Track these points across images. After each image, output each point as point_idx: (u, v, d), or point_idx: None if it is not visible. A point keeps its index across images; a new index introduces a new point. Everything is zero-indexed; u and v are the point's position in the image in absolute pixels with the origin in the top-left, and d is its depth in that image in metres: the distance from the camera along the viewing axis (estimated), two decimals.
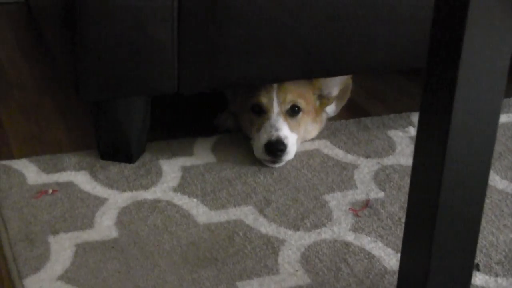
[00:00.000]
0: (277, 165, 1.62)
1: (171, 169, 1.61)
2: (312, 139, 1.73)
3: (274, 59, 1.60)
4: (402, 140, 1.74)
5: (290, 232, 1.42)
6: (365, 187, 1.57)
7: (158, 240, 1.39)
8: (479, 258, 1.36)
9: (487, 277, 1.32)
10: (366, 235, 1.42)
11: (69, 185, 1.54)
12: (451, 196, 1.06)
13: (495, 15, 0.96)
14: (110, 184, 1.55)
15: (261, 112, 1.65)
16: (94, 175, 1.58)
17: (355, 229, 1.44)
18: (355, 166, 1.64)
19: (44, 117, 1.84)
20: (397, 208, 1.49)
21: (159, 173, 1.59)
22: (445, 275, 1.12)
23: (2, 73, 2.07)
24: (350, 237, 1.41)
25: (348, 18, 1.59)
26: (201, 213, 1.47)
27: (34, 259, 1.33)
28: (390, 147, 1.71)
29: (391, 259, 1.36)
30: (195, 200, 1.51)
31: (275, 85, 1.65)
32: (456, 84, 0.99)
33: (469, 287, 1.15)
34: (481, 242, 1.39)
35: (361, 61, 1.66)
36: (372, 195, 1.54)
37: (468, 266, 1.13)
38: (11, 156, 1.65)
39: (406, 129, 1.78)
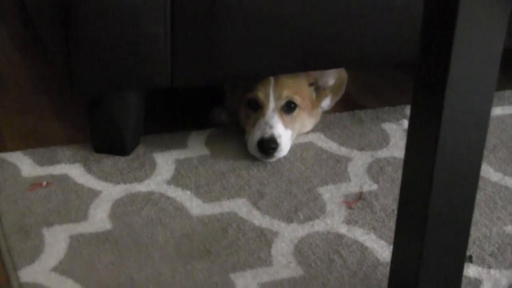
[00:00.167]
0: (269, 160, 1.62)
1: (165, 162, 1.61)
2: (306, 132, 1.73)
3: (269, 53, 1.60)
4: (396, 133, 1.74)
5: (283, 224, 1.43)
6: (358, 179, 1.57)
7: (152, 232, 1.39)
8: (472, 250, 1.36)
9: (480, 268, 1.32)
10: (359, 227, 1.43)
11: (63, 177, 1.55)
12: (443, 188, 1.07)
13: (487, 6, 0.97)
14: (104, 176, 1.55)
15: (257, 107, 1.65)
16: (88, 168, 1.58)
17: (348, 221, 1.44)
18: (348, 159, 1.64)
19: (39, 111, 1.84)
20: (391, 201, 1.50)
21: (153, 166, 1.60)
22: (437, 267, 1.12)
23: None
24: (343, 229, 1.42)
25: (343, 11, 1.59)
26: (195, 205, 1.47)
27: (28, 251, 1.33)
28: (384, 140, 1.72)
29: (384, 251, 1.36)
30: (188, 192, 1.51)
31: (272, 80, 1.66)
32: (447, 76, 0.99)
33: (461, 279, 1.15)
34: (475, 234, 1.40)
35: (356, 54, 1.66)
36: (366, 188, 1.54)
37: (460, 258, 1.14)
38: (5, 149, 1.66)
39: (400, 122, 1.78)
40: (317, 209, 1.47)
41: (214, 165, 1.61)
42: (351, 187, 1.55)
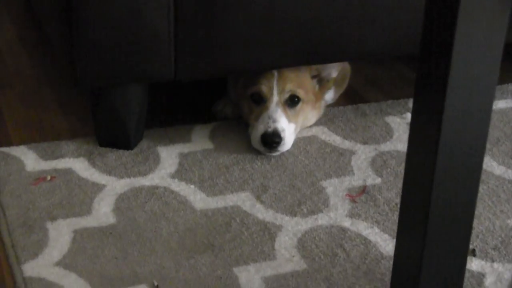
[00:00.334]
0: (273, 154, 1.62)
1: (169, 155, 1.62)
2: (310, 126, 1.73)
3: (271, 46, 1.60)
4: (399, 126, 1.74)
5: (287, 218, 1.43)
6: (362, 173, 1.57)
7: (156, 226, 1.40)
8: (475, 243, 1.36)
9: (483, 262, 1.32)
10: (362, 220, 1.43)
11: (68, 171, 1.55)
12: (445, 181, 1.07)
13: (488, 1, 0.96)
14: (108, 170, 1.56)
15: (261, 101, 1.65)
16: (92, 162, 1.58)
17: (351, 215, 1.44)
18: (352, 152, 1.64)
19: (43, 105, 1.84)
20: (394, 194, 1.50)
21: (156, 160, 1.60)
22: (440, 260, 1.12)
23: (1, 61, 2.08)
24: (346, 223, 1.42)
25: (346, 4, 1.59)
26: (199, 199, 1.48)
27: (32, 245, 1.34)
28: (388, 133, 1.72)
29: (387, 244, 1.37)
30: (192, 186, 1.52)
31: (275, 74, 1.65)
32: (449, 70, 0.99)
33: (464, 272, 1.15)
34: (478, 227, 1.40)
35: (359, 47, 1.66)
36: (369, 181, 1.54)
37: (463, 252, 1.14)
38: (9, 143, 1.66)
39: (404, 115, 1.78)
40: (320, 203, 1.48)
41: (218, 158, 1.61)
42: (355, 181, 1.55)
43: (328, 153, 1.64)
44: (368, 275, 1.29)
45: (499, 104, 1.81)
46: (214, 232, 1.39)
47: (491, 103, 1.05)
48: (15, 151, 1.61)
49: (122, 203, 1.46)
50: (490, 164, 1.59)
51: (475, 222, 1.40)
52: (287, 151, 1.63)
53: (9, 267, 1.30)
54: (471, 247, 1.34)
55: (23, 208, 1.43)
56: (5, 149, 1.62)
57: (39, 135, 1.70)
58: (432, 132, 1.04)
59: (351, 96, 1.89)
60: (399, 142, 1.68)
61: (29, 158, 1.59)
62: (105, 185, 1.51)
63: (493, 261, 1.32)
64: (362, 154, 1.64)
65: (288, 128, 1.62)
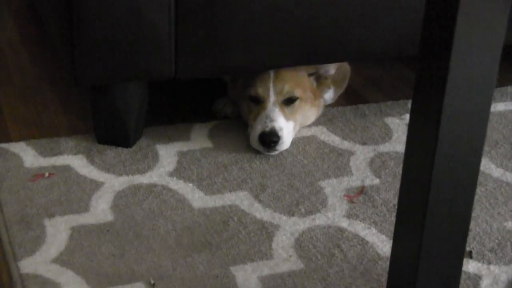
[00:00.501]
0: (272, 153, 1.62)
1: (168, 154, 1.62)
2: (309, 126, 1.73)
3: (272, 45, 1.60)
4: (398, 128, 1.74)
5: (284, 217, 1.43)
6: (360, 173, 1.57)
7: (153, 224, 1.40)
8: (472, 245, 1.36)
9: (479, 264, 1.32)
10: (360, 221, 1.43)
11: (66, 168, 1.55)
12: (442, 183, 1.07)
13: (488, 2, 0.96)
14: (107, 168, 1.56)
15: (258, 102, 1.65)
16: (90, 159, 1.58)
17: (349, 216, 1.44)
18: (351, 153, 1.64)
19: (42, 102, 1.84)
20: (392, 195, 1.50)
21: (155, 158, 1.60)
22: (436, 262, 1.12)
23: (2, 59, 2.08)
24: (344, 223, 1.42)
25: (346, 4, 1.59)
26: (197, 197, 1.48)
27: (29, 242, 1.34)
28: (387, 134, 1.72)
29: (384, 245, 1.37)
30: (190, 185, 1.52)
31: (271, 74, 1.66)
32: (448, 72, 0.99)
33: (460, 274, 1.15)
34: (475, 229, 1.40)
35: (359, 47, 1.66)
36: (368, 182, 1.54)
37: (460, 254, 1.14)
38: (8, 139, 1.66)
39: (403, 116, 1.78)
40: (318, 203, 1.48)
41: (217, 157, 1.61)
42: (353, 181, 1.55)
43: (327, 153, 1.64)
44: (365, 275, 1.30)
45: (498, 107, 1.81)
46: (211, 231, 1.39)
47: (489, 105, 1.05)
48: (13, 147, 1.61)
49: (120, 201, 1.46)
50: (488, 166, 1.59)
51: (473, 224, 1.40)
52: (286, 150, 1.64)
53: (5, 263, 1.30)
54: (468, 249, 1.34)
55: (20, 205, 1.43)
56: (3, 145, 1.62)
57: (38, 131, 1.70)
58: (430, 133, 1.04)
59: (350, 97, 1.89)
60: (398, 143, 1.68)
61: (27, 155, 1.59)
62: (103, 182, 1.51)
63: (489, 263, 1.32)
64: (361, 154, 1.64)
65: (286, 127, 1.62)
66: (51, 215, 1.41)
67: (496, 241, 1.38)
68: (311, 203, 1.48)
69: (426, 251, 1.11)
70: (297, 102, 1.66)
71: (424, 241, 1.10)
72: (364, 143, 1.68)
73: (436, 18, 0.99)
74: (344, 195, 1.50)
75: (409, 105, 1.82)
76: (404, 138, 1.69)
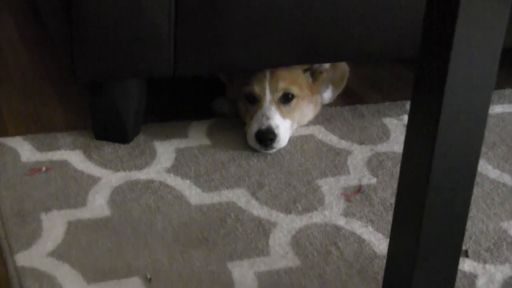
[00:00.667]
0: (269, 151, 1.62)
1: (165, 150, 1.62)
2: (307, 125, 1.73)
3: (271, 44, 1.60)
4: (396, 128, 1.74)
5: (281, 215, 1.43)
6: (358, 173, 1.57)
7: (150, 220, 1.40)
8: (468, 245, 1.36)
9: (475, 263, 1.32)
10: (357, 219, 1.43)
11: (63, 163, 1.55)
12: (440, 183, 1.07)
13: (487, 4, 0.97)
14: (104, 163, 1.56)
15: (254, 101, 1.65)
16: (88, 155, 1.58)
17: (346, 214, 1.44)
18: (348, 152, 1.64)
19: (40, 98, 1.84)
20: (389, 194, 1.50)
21: (153, 154, 1.60)
22: (433, 261, 1.12)
23: (1, 55, 2.08)
24: (341, 222, 1.42)
25: (346, 4, 1.59)
26: (194, 194, 1.48)
27: (26, 235, 1.33)
28: (385, 135, 1.72)
29: (381, 243, 1.37)
30: (188, 181, 1.52)
31: (267, 73, 1.66)
32: (447, 73, 0.99)
33: (456, 273, 1.15)
34: (471, 229, 1.40)
35: (358, 47, 1.66)
36: (365, 181, 1.55)
37: (456, 253, 1.14)
38: (5, 134, 1.66)
39: (401, 117, 1.78)
40: (315, 201, 1.48)
41: (214, 155, 1.61)
42: (350, 180, 1.55)
43: (324, 152, 1.64)
44: (361, 273, 1.30)
45: (496, 109, 1.81)
46: (208, 227, 1.39)
47: (487, 106, 1.05)
48: (10, 142, 1.61)
49: (117, 196, 1.46)
50: (485, 168, 1.59)
51: (469, 224, 1.40)
52: (284, 149, 1.64)
53: (1, 256, 1.30)
54: (464, 248, 1.34)
55: (17, 199, 1.43)
56: (0, 140, 1.62)
57: (35, 127, 1.70)
58: (429, 133, 1.04)
59: (349, 97, 1.89)
60: (396, 143, 1.68)
61: (24, 149, 1.59)
62: (100, 177, 1.51)
63: (485, 262, 1.33)
64: (359, 154, 1.64)
65: (282, 125, 1.62)
66: (48, 209, 1.40)
67: (492, 240, 1.38)
68: (308, 201, 1.48)
69: (422, 250, 1.11)
70: (294, 101, 1.66)
71: (421, 240, 1.10)
72: (361, 143, 1.68)
73: (436, 19, 0.99)
74: (341, 193, 1.51)
75: (407, 106, 1.82)
76: (401, 139, 1.69)
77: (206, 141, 1.66)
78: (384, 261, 1.29)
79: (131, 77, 1.58)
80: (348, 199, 1.49)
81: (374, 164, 1.60)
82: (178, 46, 1.54)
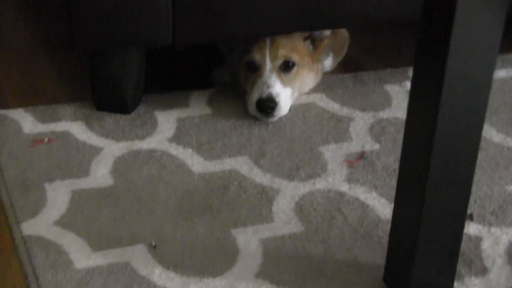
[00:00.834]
0: (270, 120, 1.62)
1: (167, 120, 1.61)
2: (308, 93, 1.73)
3: (270, 12, 1.59)
4: (398, 94, 1.73)
5: (284, 182, 1.43)
6: (360, 139, 1.57)
7: (154, 189, 1.39)
8: (473, 208, 1.36)
9: (480, 226, 1.33)
10: (360, 185, 1.43)
11: (65, 134, 1.55)
12: (444, 147, 1.07)
13: None
14: (106, 134, 1.55)
15: (255, 69, 1.65)
16: (89, 125, 1.58)
17: (349, 180, 1.44)
18: (350, 119, 1.64)
19: (40, 70, 1.83)
20: (392, 160, 1.50)
21: (154, 124, 1.59)
22: (438, 225, 1.12)
23: None
24: (344, 188, 1.42)
25: None
26: (196, 163, 1.48)
27: (30, 205, 1.33)
28: (386, 101, 1.71)
29: (385, 208, 1.37)
30: (190, 150, 1.51)
31: (267, 41, 1.65)
32: (450, 38, 0.99)
33: (461, 236, 1.16)
34: (476, 193, 1.40)
35: (357, 13, 1.65)
36: (368, 147, 1.54)
37: (461, 216, 1.14)
38: (6, 106, 1.65)
39: (403, 83, 1.78)
40: (318, 168, 1.48)
41: (216, 124, 1.61)
42: (353, 147, 1.55)
43: (326, 120, 1.64)
44: (365, 238, 1.30)
45: (500, 74, 1.81)
46: (212, 195, 1.39)
47: (492, 70, 1.04)
48: (12, 114, 1.61)
49: (120, 166, 1.46)
50: (490, 132, 1.59)
51: (474, 188, 1.39)
52: (285, 117, 1.63)
53: (8, 225, 1.30)
54: (469, 212, 1.34)
55: (21, 169, 1.43)
56: (2, 112, 1.61)
57: (36, 98, 1.69)
58: (432, 98, 1.04)
59: (349, 65, 1.88)
60: (398, 109, 1.67)
61: (26, 121, 1.58)
62: (102, 148, 1.51)
63: (490, 225, 1.33)
64: (361, 120, 1.64)
65: (283, 93, 1.61)
66: (51, 180, 1.40)
67: (497, 204, 1.38)
68: (311, 168, 1.48)
69: (427, 214, 1.11)
70: (294, 69, 1.65)
71: (426, 204, 1.10)
72: (363, 110, 1.67)
73: None
74: (344, 160, 1.50)
75: (409, 72, 1.82)
76: (404, 105, 1.68)
77: (207, 110, 1.66)
78: (389, 226, 1.29)
79: (131, 46, 1.58)
80: (351, 165, 1.49)
81: (377, 131, 1.60)
82: (177, 15, 1.53)
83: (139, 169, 1.45)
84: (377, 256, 1.25)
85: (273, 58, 1.63)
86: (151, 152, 1.50)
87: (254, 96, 1.61)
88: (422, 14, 1.02)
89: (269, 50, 1.64)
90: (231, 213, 1.34)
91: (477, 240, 1.29)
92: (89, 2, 1.47)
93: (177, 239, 1.27)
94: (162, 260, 1.23)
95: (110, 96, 1.62)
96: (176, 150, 1.51)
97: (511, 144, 1.55)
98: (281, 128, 1.60)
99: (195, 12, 1.54)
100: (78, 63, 1.85)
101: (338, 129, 1.60)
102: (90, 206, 1.34)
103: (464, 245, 1.27)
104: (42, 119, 1.59)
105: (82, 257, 1.22)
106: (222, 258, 1.24)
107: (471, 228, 1.32)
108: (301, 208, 1.36)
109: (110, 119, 1.60)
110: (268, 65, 1.63)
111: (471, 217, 1.34)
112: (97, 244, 1.25)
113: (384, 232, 1.31)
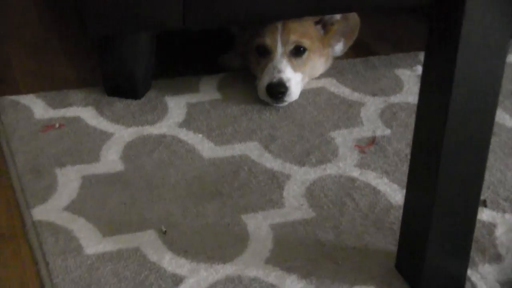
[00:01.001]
0: (280, 105, 1.61)
1: (177, 105, 1.61)
2: (319, 78, 1.72)
3: None
4: (409, 79, 1.72)
5: (295, 167, 1.42)
6: (371, 124, 1.56)
7: (164, 174, 1.39)
8: (487, 194, 1.35)
9: (494, 213, 1.32)
10: (371, 171, 1.42)
11: (76, 120, 1.54)
12: (457, 132, 1.06)
13: None
14: (116, 119, 1.55)
15: (266, 53, 1.64)
16: (100, 111, 1.57)
17: (360, 165, 1.43)
18: (361, 104, 1.63)
19: (51, 55, 1.83)
20: (404, 145, 1.49)
21: (164, 109, 1.59)
22: (451, 211, 1.12)
23: (10, 12, 2.06)
24: (355, 173, 1.41)
25: None
26: (206, 148, 1.47)
27: (41, 190, 1.34)
28: (398, 86, 1.70)
29: (396, 194, 1.36)
30: (200, 135, 1.51)
31: (279, 26, 1.64)
32: (462, 22, 0.98)
33: (474, 222, 1.15)
34: (489, 179, 1.39)
35: None
36: (379, 132, 1.53)
37: (474, 203, 1.13)
38: (18, 92, 1.65)
39: (414, 67, 1.76)
40: (329, 153, 1.47)
41: (226, 109, 1.60)
42: (364, 132, 1.54)
43: (337, 105, 1.63)
44: (377, 223, 1.29)
45: (511, 58, 1.79)
46: (222, 180, 1.38)
47: (505, 53, 1.03)
48: (23, 99, 1.60)
49: (130, 151, 1.45)
50: (502, 117, 1.58)
51: (487, 174, 1.38)
52: (296, 102, 1.62)
53: (18, 210, 1.30)
54: (482, 198, 1.33)
55: (32, 154, 1.43)
56: (13, 97, 1.61)
57: (47, 83, 1.69)
58: (444, 81, 1.03)
59: (360, 49, 1.87)
60: (409, 94, 1.66)
61: (37, 106, 1.58)
62: (113, 133, 1.51)
63: (504, 211, 1.32)
64: (372, 105, 1.63)
65: (294, 78, 1.61)
66: (62, 165, 1.40)
67: (511, 190, 1.37)
68: (322, 153, 1.47)
69: (440, 200, 1.10)
70: (305, 54, 1.64)
71: (438, 190, 1.09)
72: (374, 95, 1.66)
73: None
74: (355, 145, 1.50)
75: (420, 57, 1.80)
76: (415, 89, 1.67)
77: (217, 96, 1.65)
78: (400, 211, 1.28)
79: (141, 30, 1.57)
80: (362, 150, 1.48)
81: (388, 116, 1.59)
82: None
83: (149, 155, 1.44)
84: (388, 242, 1.25)
85: (285, 43, 1.62)
86: (161, 138, 1.50)
87: (265, 81, 1.60)
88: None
89: (281, 35, 1.63)
90: (241, 199, 1.34)
91: (491, 227, 1.29)
92: None
93: (187, 224, 1.27)
94: (172, 246, 1.23)
95: (120, 82, 1.62)
96: (186, 136, 1.51)
97: None
98: (291, 113, 1.59)
99: None
100: (88, 49, 1.85)
101: (349, 114, 1.59)
102: (100, 191, 1.34)
103: (477, 232, 1.26)
104: (53, 105, 1.59)
105: (92, 242, 1.22)
106: (232, 244, 1.24)
107: (484, 215, 1.31)
108: (311, 194, 1.36)
109: (120, 105, 1.60)
110: (279, 49, 1.62)
111: (484, 203, 1.33)
112: (107, 229, 1.25)
113: (395, 218, 1.30)
